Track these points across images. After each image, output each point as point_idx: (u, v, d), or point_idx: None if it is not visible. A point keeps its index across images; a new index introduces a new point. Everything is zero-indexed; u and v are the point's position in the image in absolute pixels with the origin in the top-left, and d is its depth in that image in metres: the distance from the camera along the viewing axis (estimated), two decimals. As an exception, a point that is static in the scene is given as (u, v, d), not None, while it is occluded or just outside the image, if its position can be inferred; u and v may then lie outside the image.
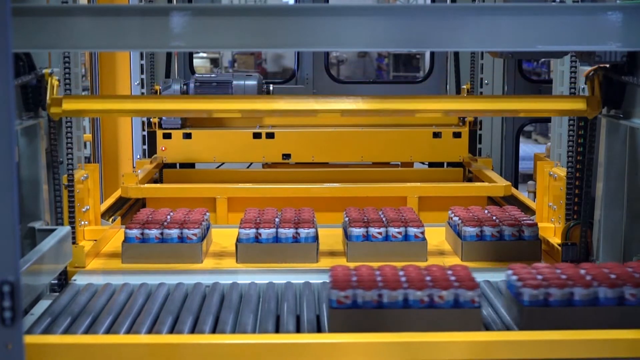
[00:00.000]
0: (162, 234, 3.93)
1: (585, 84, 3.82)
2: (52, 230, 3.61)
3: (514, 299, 3.08)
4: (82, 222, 4.18)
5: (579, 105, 3.77)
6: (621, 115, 3.66)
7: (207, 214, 4.23)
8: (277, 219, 4.11)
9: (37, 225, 3.65)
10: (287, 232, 3.94)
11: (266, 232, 3.93)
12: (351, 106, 3.77)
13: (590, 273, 3.14)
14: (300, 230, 3.94)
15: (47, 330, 3.04)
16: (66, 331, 3.05)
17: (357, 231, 3.96)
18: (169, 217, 4.13)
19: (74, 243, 3.87)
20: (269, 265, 3.88)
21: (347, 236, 4.00)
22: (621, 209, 3.76)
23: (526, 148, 11.52)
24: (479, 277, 3.51)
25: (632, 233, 3.74)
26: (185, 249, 3.92)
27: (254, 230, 3.94)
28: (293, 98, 3.84)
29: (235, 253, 3.94)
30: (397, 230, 3.95)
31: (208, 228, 4.19)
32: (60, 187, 3.83)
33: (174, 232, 3.93)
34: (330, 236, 4.32)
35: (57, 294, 3.54)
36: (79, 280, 3.68)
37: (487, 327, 3.06)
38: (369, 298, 2.94)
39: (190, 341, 2.81)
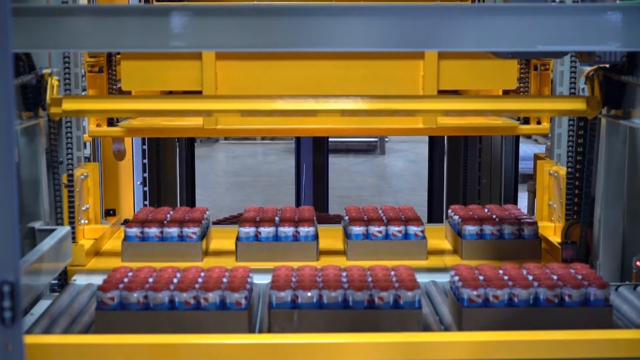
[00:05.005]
0: (162, 232, 3.93)
1: (585, 84, 3.82)
2: (52, 230, 3.61)
3: (454, 299, 3.09)
4: (82, 221, 4.18)
5: (579, 105, 3.77)
6: (621, 115, 3.66)
7: (207, 212, 4.23)
8: (277, 218, 4.11)
9: (37, 225, 3.65)
10: (287, 230, 3.94)
11: (266, 231, 3.93)
12: (351, 106, 3.78)
13: (532, 274, 3.16)
14: (300, 229, 3.94)
15: (47, 330, 3.04)
16: (66, 331, 3.05)
17: (357, 230, 3.95)
18: (168, 215, 4.14)
19: (73, 242, 3.87)
20: (268, 264, 3.88)
21: (347, 235, 4.01)
22: (621, 209, 3.76)
23: (526, 148, 11.52)
24: (425, 278, 3.53)
25: (632, 233, 3.74)
26: (185, 248, 3.92)
27: (253, 228, 3.94)
28: (293, 98, 3.84)
29: (235, 252, 3.94)
30: (397, 228, 3.95)
31: (208, 227, 4.19)
32: (60, 187, 3.84)
33: (174, 231, 3.93)
34: (330, 235, 4.32)
35: (57, 294, 3.54)
36: (79, 280, 3.68)
37: (427, 328, 3.07)
38: (308, 299, 2.99)
39: (190, 341, 2.81)
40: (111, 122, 4.66)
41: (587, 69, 3.82)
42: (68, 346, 2.83)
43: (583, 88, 3.96)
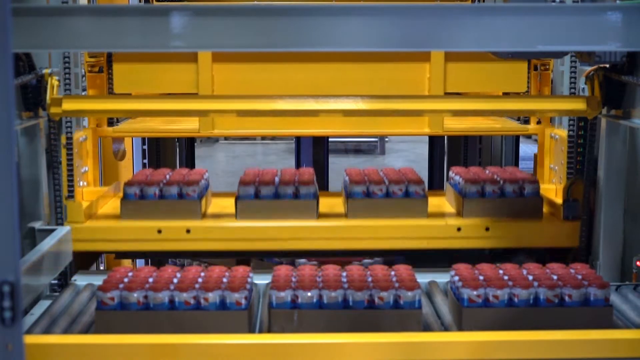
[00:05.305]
0: (161, 190, 3.91)
1: (585, 84, 3.82)
2: (52, 230, 3.61)
3: (454, 299, 3.09)
4: (81, 183, 4.16)
5: (579, 105, 3.77)
6: (621, 115, 3.66)
7: (207, 174, 4.22)
8: (277, 178, 4.09)
9: (37, 225, 3.65)
10: (287, 188, 3.92)
11: (266, 189, 3.91)
12: (351, 106, 3.77)
13: (532, 274, 3.16)
14: (301, 187, 3.92)
15: (47, 330, 3.04)
16: (66, 331, 3.05)
17: (358, 188, 3.93)
18: (168, 176, 4.12)
19: (71, 198, 3.85)
20: (268, 222, 3.87)
21: (347, 194, 3.99)
22: (621, 209, 3.76)
23: (526, 148, 11.48)
24: (425, 278, 3.53)
25: (632, 233, 3.74)
26: (184, 206, 3.91)
27: (253, 187, 3.92)
28: (293, 98, 3.84)
29: (235, 209, 3.92)
30: (397, 187, 3.93)
31: (207, 188, 4.18)
32: (60, 187, 3.83)
33: (173, 189, 3.91)
34: (331, 198, 4.33)
35: (57, 294, 3.54)
36: (79, 280, 3.68)
37: (427, 328, 3.07)
38: (309, 299, 2.98)
39: (190, 341, 2.81)
40: (111, 122, 4.65)
41: (587, 69, 3.82)
42: (68, 346, 2.83)
43: (583, 88, 3.96)
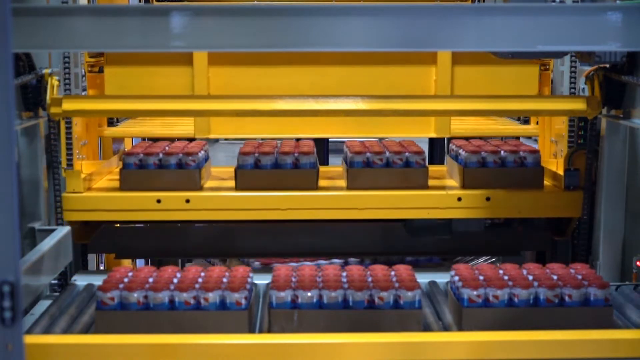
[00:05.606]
0: (160, 160, 3.92)
1: (585, 84, 3.82)
2: (52, 230, 3.61)
3: (454, 299, 3.09)
4: (80, 156, 4.16)
5: (579, 105, 3.77)
6: (621, 115, 3.66)
7: (206, 145, 4.22)
8: (276, 149, 4.09)
9: (37, 225, 3.65)
10: (286, 158, 3.93)
11: (266, 159, 3.92)
12: (351, 106, 3.77)
13: (532, 274, 3.16)
14: (300, 157, 3.93)
15: (47, 330, 3.04)
16: (66, 331, 3.05)
17: (358, 158, 3.93)
18: (167, 147, 4.12)
19: (70, 168, 3.85)
20: (268, 192, 3.87)
21: (347, 164, 3.99)
22: (621, 209, 3.76)
23: (526, 148, 11.46)
24: (425, 278, 3.53)
25: (632, 233, 3.74)
26: (184, 175, 3.91)
27: (253, 157, 3.93)
28: (293, 98, 3.83)
29: (235, 179, 3.92)
30: (398, 156, 3.93)
31: (206, 159, 4.18)
32: (60, 186, 3.83)
33: (173, 159, 3.92)
34: (331, 170, 4.35)
35: (57, 294, 3.54)
36: (79, 280, 3.68)
37: (427, 328, 3.07)
38: (309, 299, 2.98)
39: (190, 341, 2.81)
40: (111, 122, 4.64)
41: (587, 69, 3.82)
42: (68, 346, 2.83)
43: (583, 88, 3.96)
